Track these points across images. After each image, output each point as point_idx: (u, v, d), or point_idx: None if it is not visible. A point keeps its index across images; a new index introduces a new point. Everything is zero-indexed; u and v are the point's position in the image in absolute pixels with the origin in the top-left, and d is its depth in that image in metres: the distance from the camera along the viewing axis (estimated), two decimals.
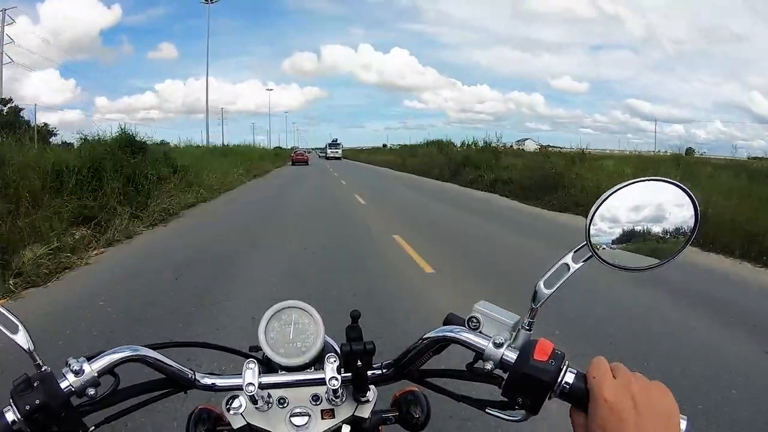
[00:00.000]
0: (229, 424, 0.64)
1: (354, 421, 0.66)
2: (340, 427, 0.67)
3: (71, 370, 0.56)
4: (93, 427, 0.58)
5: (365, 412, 0.65)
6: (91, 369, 0.57)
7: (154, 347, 0.64)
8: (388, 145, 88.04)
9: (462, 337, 0.59)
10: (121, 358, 0.59)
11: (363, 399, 0.65)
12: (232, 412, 0.63)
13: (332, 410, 0.64)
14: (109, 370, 0.59)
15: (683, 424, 0.49)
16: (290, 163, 44.48)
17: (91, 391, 0.57)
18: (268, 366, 0.69)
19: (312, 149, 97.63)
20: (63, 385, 0.55)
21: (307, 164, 43.28)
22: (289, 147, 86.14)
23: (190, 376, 0.65)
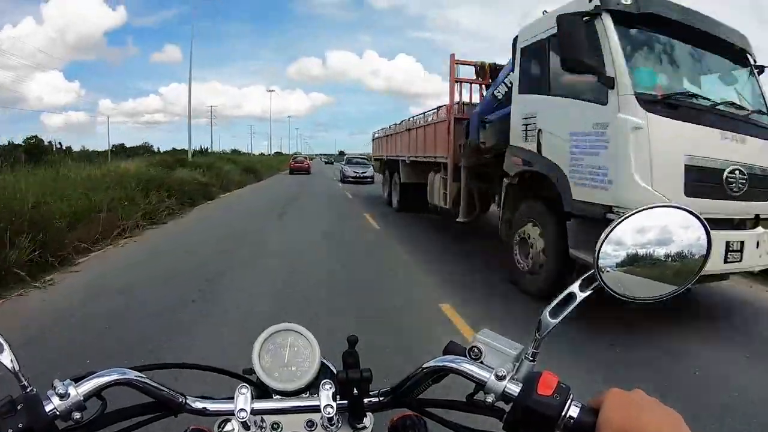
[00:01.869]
0: None
1: None
2: None
3: (56, 393, 0.54)
4: None
5: None
6: (77, 392, 0.55)
7: (142, 369, 0.62)
8: None
9: (463, 368, 0.57)
10: (108, 382, 0.58)
11: (359, 426, 0.63)
12: None
13: None
14: (96, 393, 0.57)
15: None
16: (288, 171, 33.81)
17: (77, 415, 0.55)
18: (262, 389, 0.67)
19: (316, 155, 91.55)
20: (48, 408, 0.54)
21: (309, 173, 33.12)
22: (290, 153, 73.91)
23: (180, 400, 0.63)
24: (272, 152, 72.04)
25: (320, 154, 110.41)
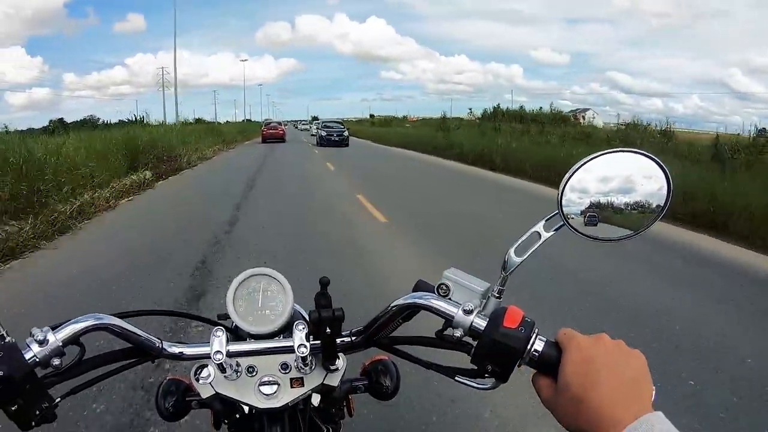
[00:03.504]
0: (198, 394, 0.63)
1: (323, 390, 0.65)
2: (311, 396, 0.67)
3: (35, 340, 0.54)
4: (59, 399, 0.57)
5: (334, 380, 0.65)
6: (55, 339, 0.55)
7: (120, 315, 0.62)
8: (375, 116, 77.85)
9: (431, 304, 0.58)
10: (86, 327, 0.58)
11: (332, 367, 0.64)
12: (201, 381, 0.63)
13: (301, 379, 0.64)
14: (74, 340, 0.57)
15: (652, 394, 0.48)
16: (260, 140, 28.60)
17: (56, 362, 0.55)
18: (237, 335, 0.68)
19: (288, 121, 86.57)
20: (27, 356, 0.54)
21: (284, 141, 28.42)
22: (260, 120, 59.90)
23: (157, 344, 0.63)
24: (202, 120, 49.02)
25: (293, 121, 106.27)
